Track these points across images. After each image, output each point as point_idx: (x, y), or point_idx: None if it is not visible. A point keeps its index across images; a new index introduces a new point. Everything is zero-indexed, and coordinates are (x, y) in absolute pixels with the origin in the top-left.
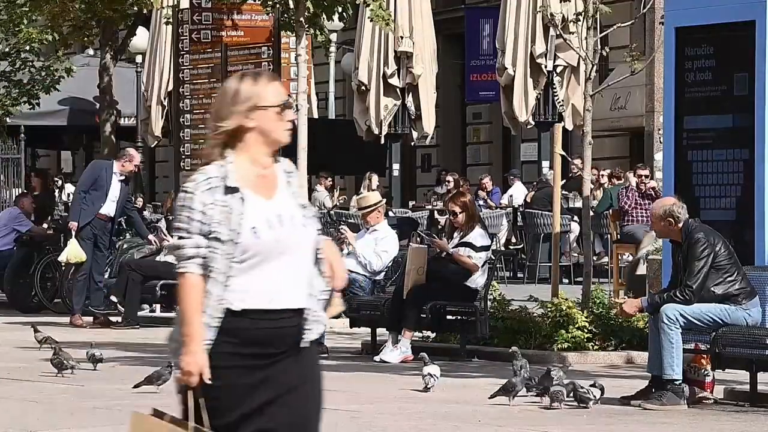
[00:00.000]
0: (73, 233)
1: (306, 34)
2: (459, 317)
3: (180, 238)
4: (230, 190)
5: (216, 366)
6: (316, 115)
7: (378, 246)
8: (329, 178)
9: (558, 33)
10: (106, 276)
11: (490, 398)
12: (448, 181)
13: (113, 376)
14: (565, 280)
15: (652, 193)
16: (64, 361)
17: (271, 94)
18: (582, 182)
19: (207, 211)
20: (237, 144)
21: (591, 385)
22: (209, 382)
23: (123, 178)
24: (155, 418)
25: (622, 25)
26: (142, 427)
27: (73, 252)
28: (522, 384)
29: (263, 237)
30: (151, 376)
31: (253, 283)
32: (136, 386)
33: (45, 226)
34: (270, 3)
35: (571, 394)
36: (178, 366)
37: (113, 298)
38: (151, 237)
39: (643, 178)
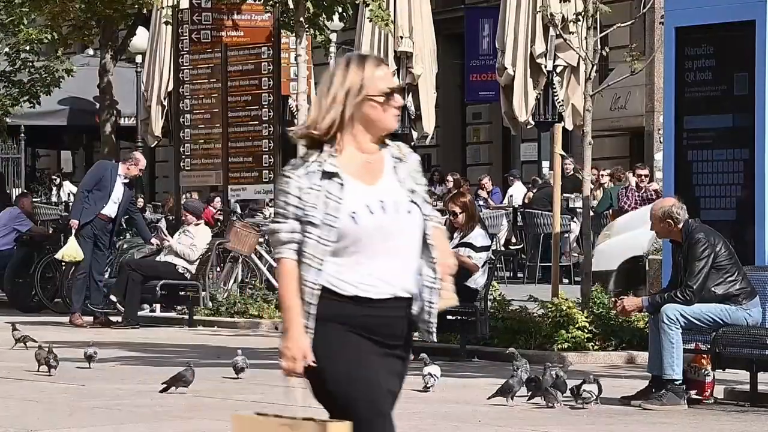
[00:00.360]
0: (73, 231)
1: (306, 34)
2: (459, 317)
3: (276, 222)
4: (328, 175)
5: (321, 350)
6: None
7: None
8: None
9: (558, 33)
10: (106, 276)
11: (488, 399)
12: (448, 181)
13: (113, 376)
14: (565, 280)
15: (653, 195)
16: (46, 358)
17: (377, 80)
18: (577, 182)
19: (303, 195)
20: (341, 129)
21: (584, 382)
22: (314, 364)
23: (127, 181)
24: (260, 416)
25: (622, 25)
26: (247, 428)
27: (70, 250)
28: (520, 385)
29: (363, 223)
30: (175, 377)
31: (358, 270)
32: (163, 390)
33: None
34: (270, 2)
35: (568, 393)
36: (280, 353)
37: (113, 298)
38: (153, 240)
39: (643, 177)
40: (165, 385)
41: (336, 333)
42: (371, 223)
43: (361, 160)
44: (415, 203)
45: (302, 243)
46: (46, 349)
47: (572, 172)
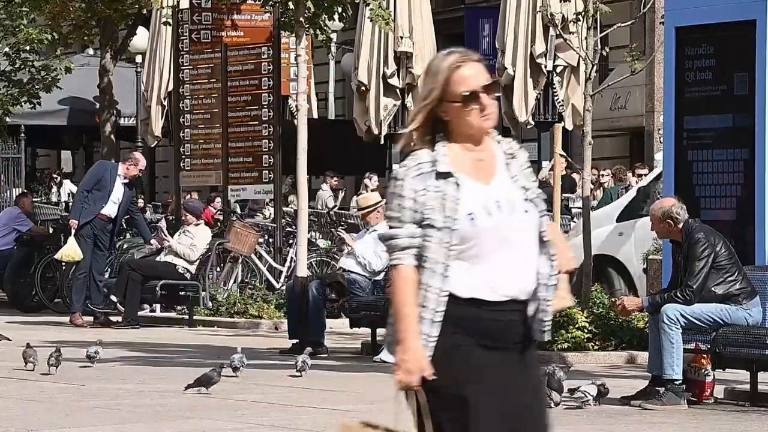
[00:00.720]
0: (73, 231)
1: (306, 34)
2: None
3: (391, 227)
4: (443, 175)
5: (440, 359)
6: (316, 115)
7: (378, 246)
8: (335, 178)
9: (558, 33)
10: (106, 276)
11: None
12: None
13: (113, 376)
14: None
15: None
16: (30, 357)
17: (458, 82)
18: (574, 181)
19: (418, 198)
20: (439, 129)
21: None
22: (432, 377)
23: (127, 181)
24: (369, 428)
25: (622, 25)
26: None
27: (69, 250)
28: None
29: (481, 224)
30: (201, 379)
31: (474, 273)
32: (187, 387)
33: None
34: (270, 2)
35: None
36: (396, 366)
37: (113, 298)
38: (153, 241)
39: (642, 177)
40: (190, 385)
41: (458, 344)
42: (489, 224)
43: (471, 158)
44: (530, 201)
45: (422, 248)
46: (33, 348)
47: (564, 172)
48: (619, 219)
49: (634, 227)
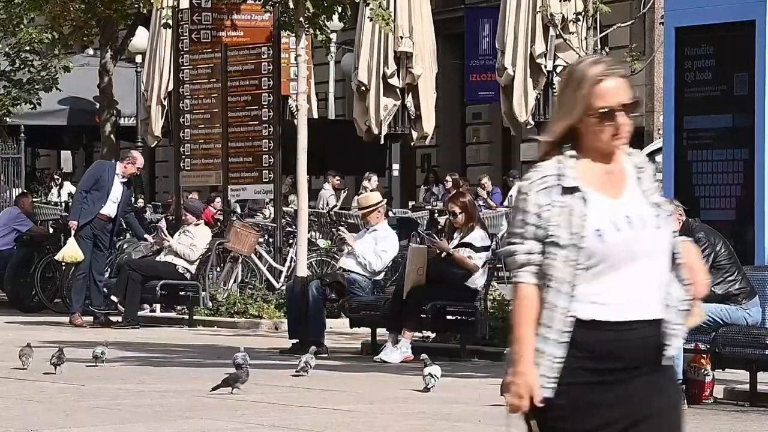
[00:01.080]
0: (73, 232)
1: (306, 34)
2: (459, 317)
3: (511, 243)
4: (569, 190)
5: (559, 383)
6: (316, 115)
7: (378, 246)
8: (337, 177)
9: (558, 33)
10: (106, 276)
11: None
12: (446, 181)
13: (113, 376)
14: None
15: None
16: (24, 356)
17: (597, 96)
18: None
19: (543, 213)
20: (573, 138)
21: None
22: (542, 405)
23: (125, 180)
24: None
25: (622, 25)
26: None
27: (69, 251)
28: None
29: (609, 240)
30: (228, 379)
31: (601, 292)
32: (214, 389)
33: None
34: (270, 2)
35: None
36: (507, 388)
37: (113, 298)
38: (148, 237)
39: None
40: (218, 386)
41: (580, 365)
42: (618, 240)
43: (601, 171)
44: (661, 217)
45: (544, 265)
46: (29, 347)
47: None
48: None
49: None
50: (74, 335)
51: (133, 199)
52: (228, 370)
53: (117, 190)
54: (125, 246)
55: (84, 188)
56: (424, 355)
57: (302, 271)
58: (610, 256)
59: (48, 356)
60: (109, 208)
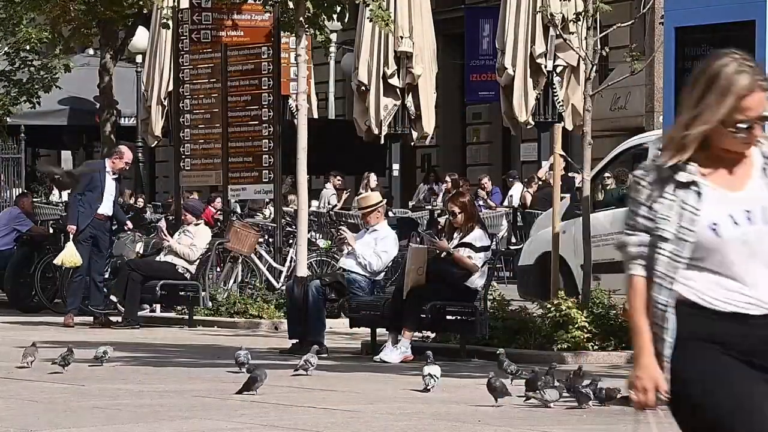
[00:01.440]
0: (71, 237)
1: (306, 34)
2: (459, 317)
3: (626, 234)
4: (684, 185)
5: (689, 378)
6: (316, 115)
7: (378, 246)
8: (338, 177)
9: (558, 33)
10: (106, 276)
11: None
12: (446, 181)
13: (113, 376)
14: None
15: None
16: (27, 356)
17: (738, 110)
18: (572, 182)
19: (654, 205)
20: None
21: (587, 385)
22: (668, 397)
23: (116, 176)
24: None
25: (622, 25)
26: None
27: (68, 256)
28: (503, 385)
29: (726, 235)
30: (248, 382)
31: (723, 286)
32: (238, 393)
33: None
34: (270, 2)
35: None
36: (631, 384)
37: (113, 298)
38: (128, 223)
39: None
40: (241, 389)
41: (710, 357)
42: (736, 234)
43: (722, 162)
44: None
45: (652, 259)
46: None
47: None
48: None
49: (573, 225)
50: (74, 335)
51: (122, 198)
52: (228, 369)
53: (110, 187)
54: (122, 236)
55: (78, 191)
56: (428, 353)
57: (302, 271)
58: (728, 251)
59: (48, 356)
60: (106, 206)
